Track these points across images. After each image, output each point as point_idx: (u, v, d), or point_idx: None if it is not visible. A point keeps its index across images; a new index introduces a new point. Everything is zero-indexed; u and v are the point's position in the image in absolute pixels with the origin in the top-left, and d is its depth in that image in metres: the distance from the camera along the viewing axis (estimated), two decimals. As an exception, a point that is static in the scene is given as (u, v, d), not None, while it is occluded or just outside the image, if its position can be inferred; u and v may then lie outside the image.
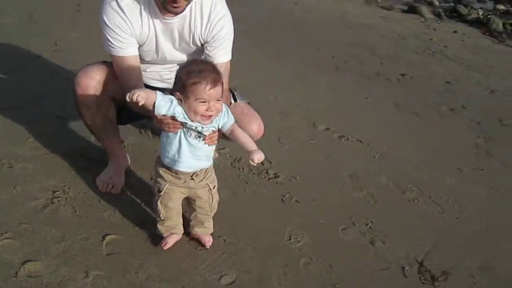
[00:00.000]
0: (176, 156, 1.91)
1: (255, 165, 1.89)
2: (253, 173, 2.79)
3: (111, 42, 2.15)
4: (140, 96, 1.75)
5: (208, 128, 1.90)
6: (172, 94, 1.85)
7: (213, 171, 2.08)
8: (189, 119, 1.85)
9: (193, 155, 1.92)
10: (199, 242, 2.19)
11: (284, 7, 7.09)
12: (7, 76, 3.58)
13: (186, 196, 2.08)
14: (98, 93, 2.27)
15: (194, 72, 1.80)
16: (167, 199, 2.03)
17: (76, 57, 3.88)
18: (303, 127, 3.48)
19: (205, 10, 2.17)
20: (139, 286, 1.93)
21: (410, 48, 6.00)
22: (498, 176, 3.21)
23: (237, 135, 1.95)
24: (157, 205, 2.06)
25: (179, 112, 1.84)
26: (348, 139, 3.39)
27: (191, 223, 2.17)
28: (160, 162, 2.00)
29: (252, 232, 2.33)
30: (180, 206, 2.12)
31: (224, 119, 1.93)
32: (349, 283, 2.12)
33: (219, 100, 1.85)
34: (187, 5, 2.09)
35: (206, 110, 1.82)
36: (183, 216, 2.17)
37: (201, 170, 1.99)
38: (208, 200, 2.10)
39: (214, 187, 2.10)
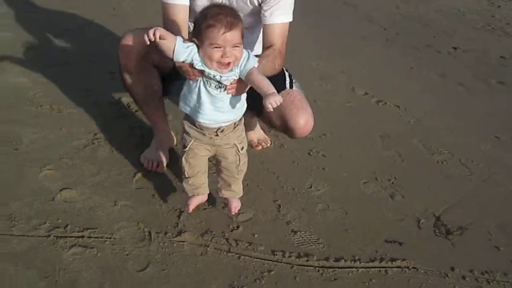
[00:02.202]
0: (197, 106, 1.83)
1: (271, 110, 1.68)
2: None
3: None
4: (160, 34, 1.68)
5: (228, 78, 1.77)
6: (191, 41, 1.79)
7: (244, 131, 1.99)
8: (207, 67, 1.76)
9: (214, 107, 1.82)
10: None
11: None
12: (63, 35, 3.86)
13: (212, 154, 2.01)
14: (140, 58, 2.17)
15: (209, 15, 1.71)
16: (192, 155, 1.97)
17: (131, 22, 4.14)
18: (342, 91, 3.54)
19: None
20: (160, 216, 2.11)
21: (468, 23, 5.84)
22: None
23: (253, 79, 1.75)
24: (181, 161, 2.01)
25: (197, 60, 1.75)
26: (385, 103, 3.42)
27: (219, 185, 2.12)
28: (185, 116, 1.95)
29: (275, 179, 2.46)
30: (206, 165, 2.06)
31: (243, 63, 1.77)
32: (360, 230, 2.21)
33: (237, 46, 1.73)
34: None
35: (222, 56, 1.71)
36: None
37: (227, 125, 1.89)
38: (235, 161, 1.99)
39: (242, 148, 1.98)
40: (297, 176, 2.51)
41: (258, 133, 2.74)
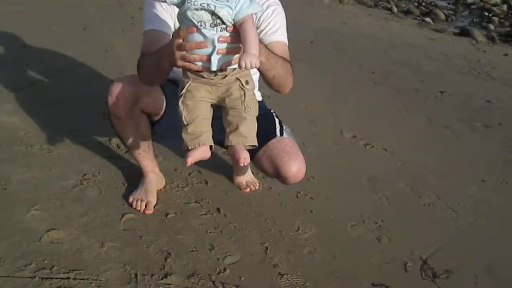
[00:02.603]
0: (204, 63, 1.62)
1: (243, 69, 1.58)
2: (273, 171, 2.92)
3: (148, 17, 2.13)
4: None
5: (222, 8, 1.53)
6: None
7: (249, 72, 1.75)
8: None
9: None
10: (212, 222, 2.33)
11: (333, 26, 7.25)
12: (55, 75, 3.91)
13: (213, 99, 1.76)
14: (129, 104, 2.19)
15: None
16: (189, 97, 1.73)
17: (123, 64, 4.21)
18: (330, 133, 3.60)
19: None
20: (147, 258, 2.10)
21: (454, 68, 5.99)
22: (523, 189, 3.20)
23: (245, 28, 1.55)
24: (179, 107, 1.75)
25: None
26: (373, 146, 3.47)
27: (225, 133, 1.77)
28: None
29: (263, 221, 2.47)
30: (208, 110, 1.79)
31: (243, 4, 1.55)
32: (348, 273, 2.21)
33: None
34: None
35: None
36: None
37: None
38: (240, 96, 1.72)
39: (247, 83, 1.74)
40: (285, 219, 2.52)
41: (248, 176, 2.77)
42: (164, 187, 2.59)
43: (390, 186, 2.98)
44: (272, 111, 2.38)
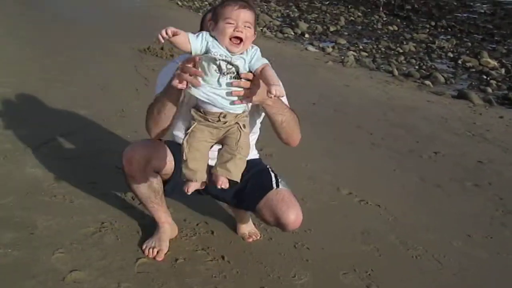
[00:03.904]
0: (211, 88, 1.98)
1: (272, 94, 1.89)
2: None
3: (160, 82, 2.36)
4: (171, 31, 1.84)
5: (237, 59, 1.94)
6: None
7: (247, 116, 2.13)
8: (219, 44, 1.93)
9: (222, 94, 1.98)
10: (217, 268, 2.59)
11: (335, 89, 7.64)
12: (74, 132, 4.29)
13: (214, 139, 2.09)
14: (142, 165, 2.47)
15: (227, 0, 1.98)
16: (193, 136, 2.06)
17: (138, 122, 4.53)
18: (327, 190, 3.88)
19: None
20: (158, 297, 2.37)
21: (450, 129, 6.28)
22: (506, 244, 3.42)
23: (266, 71, 1.95)
24: (183, 144, 2.08)
25: (210, 39, 1.94)
26: (367, 203, 3.74)
27: (216, 162, 2.10)
28: (194, 107, 2.11)
29: (262, 268, 2.74)
30: (207, 151, 2.11)
31: (254, 55, 1.97)
32: (338, 315, 2.45)
33: (249, 26, 1.96)
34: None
35: (234, 30, 1.92)
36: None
37: (228, 112, 2.03)
38: (236, 136, 2.05)
39: (244, 126, 2.08)
40: (282, 266, 2.78)
41: (249, 226, 3.05)
42: (176, 236, 2.87)
43: (381, 239, 3.23)
44: (267, 166, 2.70)
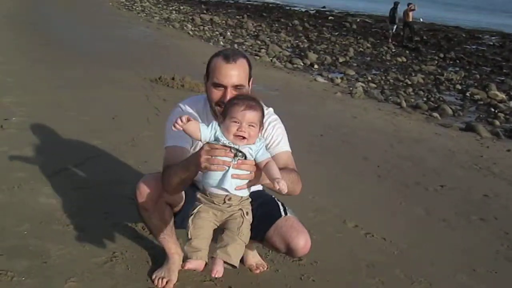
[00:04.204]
0: (217, 182, 2.12)
1: (277, 188, 2.06)
2: (280, 255, 3.26)
3: (170, 134, 2.53)
4: (186, 117, 2.07)
5: (244, 147, 2.09)
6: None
7: (249, 200, 2.28)
8: (226, 137, 2.10)
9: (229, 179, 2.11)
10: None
11: (342, 120, 7.74)
12: (86, 161, 4.42)
13: (218, 222, 2.21)
14: (154, 198, 2.57)
15: (235, 98, 2.20)
16: (198, 217, 2.19)
17: (148, 151, 4.69)
18: (334, 223, 3.94)
19: None
20: (167, 326, 2.44)
21: (457, 162, 6.34)
22: (511, 279, 3.46)
23: (270, 166, 2.11)
24: (187, 223, 2.21)
25: (219, 131, 2.11)
26: (373, 235, 3.80)
27: (216, 245, 2.19)
28: (200, 190, 2.27)
29: (268, 300, 2.79)
30: (211, 231, 2.22)
31: (260, 148, 2.13)
32: None
33: (253, 125, 2.12)
34: None
35: (237, 129, 2.08)
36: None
37: (234, 195, 2.17)
38: (238, 222, 2.19)
39: (247, 214, 2.24)
40: (288, 298, 2.84)
41: (256, 258, 3.11)
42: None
43: (386, 272, 3.28)
44: (273, 196, 2.78)
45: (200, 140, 2.16)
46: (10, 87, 6.83)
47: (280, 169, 2.25)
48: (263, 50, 15.19)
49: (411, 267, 3.39)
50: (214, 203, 2.18)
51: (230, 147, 2.09)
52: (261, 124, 2.21)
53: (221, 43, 15.96)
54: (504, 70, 15.83)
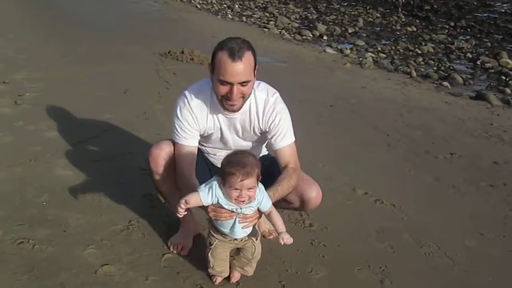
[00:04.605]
0: (229, 231, 2.39)
1: (282, 243, 2.35)
2: (291, 222, 3.35)
3: (178, 131, 2.64)
4: (186, 200, 2.25)
5: (246, 208, 2.30)
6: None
7: (257, 230, 2.56)
8: (228, 200, 2.28)
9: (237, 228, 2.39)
10: None
11: (352, 91, 7.74)
12: (100, 135, 4.53)
13: (233, 248, 2.55)
14: (167, 162, 2.67)
15: (232, 163, 2.23)
16: (215, 251, 2.49)
17: (160, 123, 4.77)
18: (344, 190, 4.02)
19: (260, 105, 2.63)
20: (184, 289, 2.55)
21: (466, 130, 6.35)
22: (518, 243, 3.53)
23: (273, 216, 2.39)
24: (207, 255, 2.52)
25: (220, 196, 2.27)
26: (382, 202, 3.87)
27: (234, 261, 2.60)
28: (210, 222, 2.49)
29: (281, 264, 2.89)
30: (227, 256, 2.56)
31: (261, 199, 2.33)
32: (352, 307, 2.60)
33: (251, 188, 2.24)
34: (243, 103, 2.53)
35: (238, 196, 2.23)
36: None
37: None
38: (251, 250, 2.52)
39: (256, 239, 2.51)
40: (300, 262, 2.93)
41: (268, 224, 3.19)
42: (199, 233, 3.05)
43: (395, 237, 3.36)
44: None
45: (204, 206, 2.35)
46: (22, 63, 6.92)
47: (282, 168, 2.62)
48: (271, 22, 15.07)
49: (419, 232, 3.46)
50: (227, 239, 2.45)
51: (232, 211, 2.31)
52: (258, 177, 2.29)
53: (229, 16, 15.86)
54: (516, 38, 15.61)
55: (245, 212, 2.30)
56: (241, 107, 2.56)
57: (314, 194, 2.70)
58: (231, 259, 2.61)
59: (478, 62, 11.80)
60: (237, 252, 2.58)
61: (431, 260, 3.16)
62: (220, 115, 2.64)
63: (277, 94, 2.69)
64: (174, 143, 2.69)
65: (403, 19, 18.34)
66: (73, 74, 6.54)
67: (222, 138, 2.74)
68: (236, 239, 2.41)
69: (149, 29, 10.85)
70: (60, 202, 3.27)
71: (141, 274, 2.62)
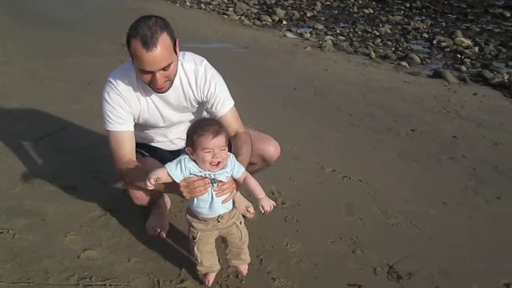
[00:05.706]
0: (208, 209, 2.30)
1: (263, 212, 2.29)
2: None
3: (110, 118, 2.55)
4: (154, 177, 2.17)
5: (221, 174, 2.24)
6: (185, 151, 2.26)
7: (239, 212, 2.49)
8: (201, 168, 2.22)
9: (216, 203, 2.30)
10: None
11: (314, 74, 7.90)
12: (68, 126, 4.56)
13: (217, 236, 2.44)
14: (151, 198, 2.69)
15: (198, 127, 2.20)
16: (201, 244, 2.39)
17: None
18: (313, 169, 4.16)
19: (191, 76, 2.56)
20: (165, 269, 2.65)
21: (426, 108, 6.59)
22: (478, 210, 3.72)
23: (249, 181, 2.32)
24: (193, 250, 2.43)
25: (192, 167, 2.21)
26: (350, 178, 4.02)
27: (228, 257, 2.52)
28: (188, 212, 2.39)
29: (257, 240, 3.00)
30: (214, 247, 2.47)
31: (233, 166, 2.29)
32: (327, 277, 2.74)
33: (224, 148, 2.20)
34: (170, 85, 2.46)
35: (212, 157, 2.17)
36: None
37: (224, 213, 2.35)
38: (238, 235, 2.43)
39: (240, 223, 2.43)
40: (275, 237, 3.06)
41: (245, 203, 3.27)
42: (170, 210, 3.16)
43: (364, 210, 3.52)
44: None
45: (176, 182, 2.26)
46: (-18, 59, 6.80)
47: (232, 137, 2.58)
48: (230, 9, 15.11)
49: (387, 205, 3.63)
50: (208, 224, 2.35)
51: (206, 177, 2.24)
52: (227, 138, 2.27)
53: (188, 3, 15.80)
54: (469, 17, 16.08)
55: (219, 179, 2.24)
56: (171, 86, 2.49)
57: (272, 149, 2.82)
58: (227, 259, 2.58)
59: (434, 42, 12.15)
60: (226, 246, 2.51)
61: (398, 229, 3.33)
62: (152, 95, 2.57)
63: (205, 61, 2.62)
64: (108, 133, 2.61)
65: (360, 2, 18.64)
66: (37, 68, 6.46)
67: (162, 116, 2.67)
68: (219, 221, 2.33)
69: (110, 20, 10.74)
70: (36, 193, 3.29)
71: (123, 256, 2.69)
